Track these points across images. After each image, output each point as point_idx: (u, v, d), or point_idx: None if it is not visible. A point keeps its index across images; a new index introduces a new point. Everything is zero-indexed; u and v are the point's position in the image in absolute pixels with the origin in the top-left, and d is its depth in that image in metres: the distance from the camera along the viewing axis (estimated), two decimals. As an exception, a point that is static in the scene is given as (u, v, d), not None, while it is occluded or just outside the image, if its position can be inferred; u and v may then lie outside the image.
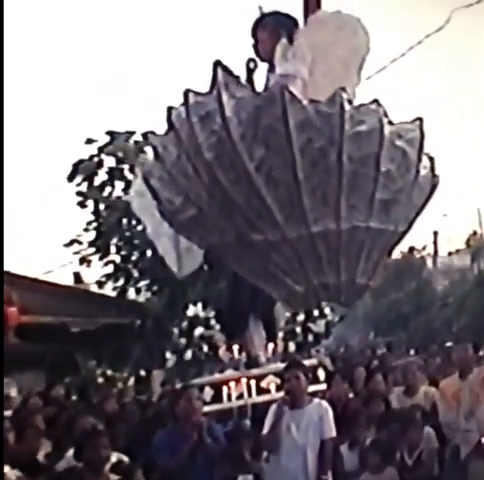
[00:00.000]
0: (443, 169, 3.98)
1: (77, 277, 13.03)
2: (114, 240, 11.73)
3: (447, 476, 5.88)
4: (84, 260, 11.90)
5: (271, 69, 4.08)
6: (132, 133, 11.98)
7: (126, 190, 11.84)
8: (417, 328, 24.17)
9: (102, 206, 11.80)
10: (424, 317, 24.55)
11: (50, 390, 9.29)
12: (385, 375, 7.77)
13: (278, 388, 6.03)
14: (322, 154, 3.36)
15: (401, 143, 3.52)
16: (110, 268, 11.83)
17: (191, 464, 5.17)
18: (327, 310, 8.36)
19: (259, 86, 3.96)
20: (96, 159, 11.77)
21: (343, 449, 5.88)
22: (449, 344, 10.75)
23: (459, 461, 5.80)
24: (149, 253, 11.51)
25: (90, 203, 11.79)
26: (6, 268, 6.92)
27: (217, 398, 6.14)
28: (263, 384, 6.18)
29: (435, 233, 30.59)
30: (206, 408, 5.85)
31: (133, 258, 11.70)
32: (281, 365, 6.07)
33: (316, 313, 8.47)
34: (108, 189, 11.87)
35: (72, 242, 11.88)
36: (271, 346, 6.53)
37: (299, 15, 4.27)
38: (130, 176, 11.81)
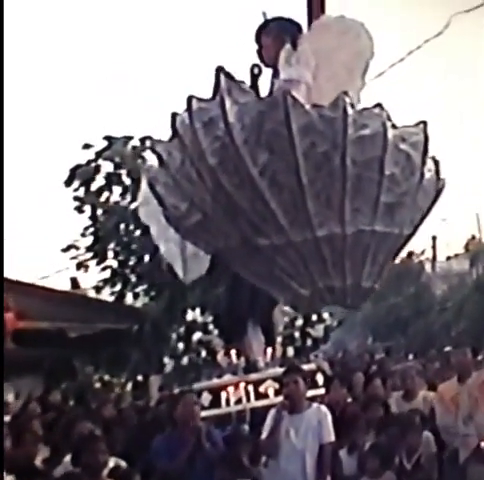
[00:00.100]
0: (442, 174, 3.99)
1: (74, 282, 13.01)
2: (111, 245, 11.72)
3: (446, 480, 5.88)
4: (81, 265, 11.88)
5: (275, 74, 4.09)
6: (130, 138, 11.98)
7: (124, 195, 11.86)
8: (416, 333, 24.17)
9: (99, 211, 11.79)
10: (423, 322, 24.54)
11: (48, 395, 9.26)
12: (384, 380, 7.77)
13: (276, 393, 6.03)
14: (326, 158, 3.36)
15: (405, 146, 3.53)
16: (107, 273, 11.81)
17: (190, 469, 5.16)
18: (326, 315, 8.35)
19: (264, 91, 3.98)
20: (93, 164, 11.76)
21: (342, 454, 5.86)
22: (448, 348, 10.75)
23: (458, 465, 5.79)
24: (147, 258, 11.52)
25: (87, 208, 11.78)
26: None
27: (215, 403, 6.13)
28: (261, 389, 6.17)
29: (434, 238, 30.61)
30: (204, 413, 5.85)
31: (131, 263, 11.70)
32: (280, 370, 6.06)
33: (315, 318, 8.47)
34: (105, 194, 11.87)
35: (69, 247, 11.86)
36: (270, 351, 6.52)
37: (303, 20, 4.29)
38: (128, 181, 11.83)
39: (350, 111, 3.39)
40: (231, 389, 6.14)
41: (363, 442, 5.97)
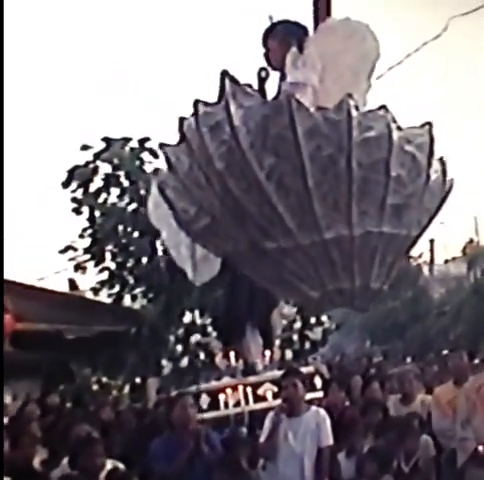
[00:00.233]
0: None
1: (72, 284, 13.00)
2: (109, 247, 11.71)
3: (444, 484, 5.88)
4: (79, 267, 11.87)
5: (283, 78, 4.11)
6: (128, 140, 11.97)
7: (122, 197, 11.86)
8: (414, 336, 24.17)
9: (97, 213, 11.78)
10: (421, 325, 24.54)
11: (45, 398, 9.25)
12: (382, 383, 7.77)
13: (275, 396, 6.03)
14: (331, 161, 3.37)
15: (410, 148, 3.54)
16: (105, 275, 11.80)
17: (188, 472, 5.15)
18: (324, 318, 8.37)
19: (272, 95, 4.00)
20: (92, 165, 11.75)
21: (340, 457, 5.85)
22: (445, 352, 10.77)
23: (456, 469, 5.79)
24: (145, 260, 11.52)
25: (85, 209, 11.77)
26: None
27: (214, 405, 6.12)
28: (260, 392, 6.17)
29: (431, 241, 30.62)
30: (203, 415, 5.84)
31: (128, 265, 11.69)
32: (278, 373, 6.06)
33: (313, 321, 8.46)
34: (104, 196, 11.86)
35: (67, 249, 11.85)
36: (268, 354, 6.52)
37: (310, 23, 4.29)
38: (126, 183, 11.83)
39: (354, 113, 3.39)
40: (229, 392, 6.14)
41: (361, 446, 5.96)
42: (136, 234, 11.55)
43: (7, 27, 6.30)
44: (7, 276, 8.53)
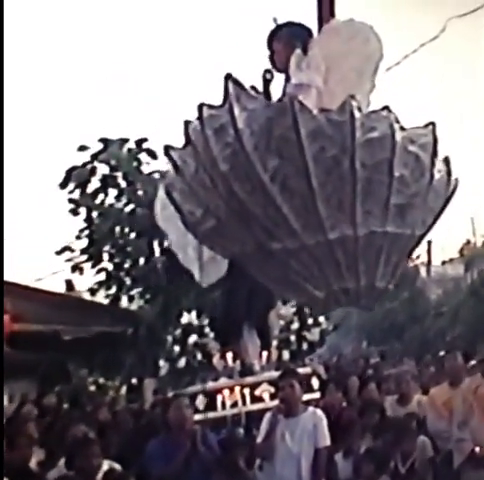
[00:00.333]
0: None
1: (69, 285, 12.97)
2: (106, 248, 11.68)
3: (441, 485, 5.88)
4: (76, 268, 11.83)
5: (288, 79, 4.13)
6: (126, 140, 11.95)
7: (119, 198, 11.84)
8: (411, 337, 24.18)
9: (95, 214, 11.75)
10: (418, 326, 24.55)
11: (42, 398, 9.23)
12: (379, 384, 7.78)
13: (272, 396, 6.01)
14: (335, 162, 3.41)
15: (414, 148, 3.58)
16: (102, 276, 11.77)
17: (185, 472, 5.14)
18: (321, 318, 8.36)
19: (277, 96, 4.03)
20: (89, 166, 11.72)
21: (337, 458, 5.86)
22: (442, 353, 10.76)
23: (452, 470, 5.79)
24: (142, 261, 11.50)
25: (82, 210, 11.74)
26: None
27: (211, 406, 6.11)
28: (257, 392, 6.16)
29: (429, 242, 30.55)
30: (200, 416, 5.84)
31: (126, 266, 11.66)
32: (275, 373, 6.05)
33: (310, 321, 8.48)
34: (101, 197, 11.83)
35: (64, 249, 11.81)
36: (265, 354, 6.51)
37: (314, 24, 4.31)
38: (123, 184, 11.81)
39: (357, 115, 3.43)
40: (227, 392, 6.12)
41: (358, 446, 5.97)
42: (133, 235, 11.53)
43: (5, 27, 6.29)
44: (4, 277, 8.53)
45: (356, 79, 4.00)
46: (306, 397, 5.84)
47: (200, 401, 6.10)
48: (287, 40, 4.30)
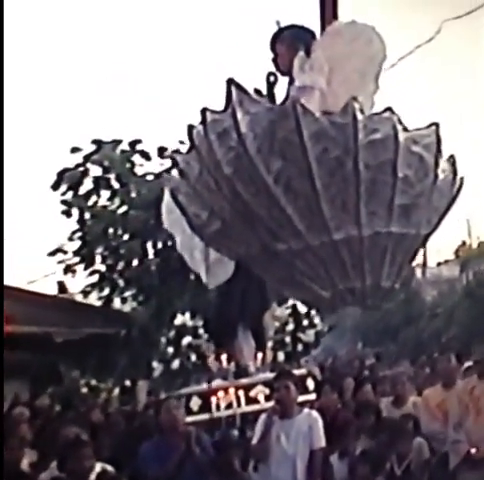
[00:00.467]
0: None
1: (61, 287, 12.90)
2: (99, 249, 11.63)
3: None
4: (69, 269, 11.78)
5: (291, 82, 4.14)
6: (119, 142, 11.91)
7: (112, 199, 11.79)
8: (406, 339, 24.23)
9: (87, 215, 11.70)
10: (413, 328, 24.61)
11: (34, 400, 9.18)
12: (374, 385, 7.76)
13: (267, 398, 6.00)
14: (338, 163, 3.44)
15: (417, 149, 3.61)
16: (95, 277, 11.73)
17: (179, 474, 5.10)
18: (317, 320, 8.33)
19: (281, 99, 4.05)
20: (82, 168, 11.67)
21: (333, 459, 5.82)
22: (437, 355, 10.77)
23: (448, 471, 5.77)
24: (135, 263, 11.46)
25: (75, 212, 11.69)
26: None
27: (205, 408, 6.08)
28: (252, 394, 6.14)
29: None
30: (194, 418, 5.80)
31: (119, 267, 11.62)
32: (270, 375, 6.04)
33: (306, 323, 8.44)
34: (94, 198, 11.78)
35: (56, 251, 11.75)
36: (260, 356, 6.49)
37: (317, 26, 4.32)
38: (116, 185, 11.76)
39: (360, 116, 3.46)
40: (221, 394, 6.10)
41: (354, 448, 5.94)
42: (126, 237, 11.49)
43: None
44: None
45: (359, 80, 4.02)
46: (301, 398, 5.83)
47: (194, 403, 6.07)
48: (290, 43, 4.31)
